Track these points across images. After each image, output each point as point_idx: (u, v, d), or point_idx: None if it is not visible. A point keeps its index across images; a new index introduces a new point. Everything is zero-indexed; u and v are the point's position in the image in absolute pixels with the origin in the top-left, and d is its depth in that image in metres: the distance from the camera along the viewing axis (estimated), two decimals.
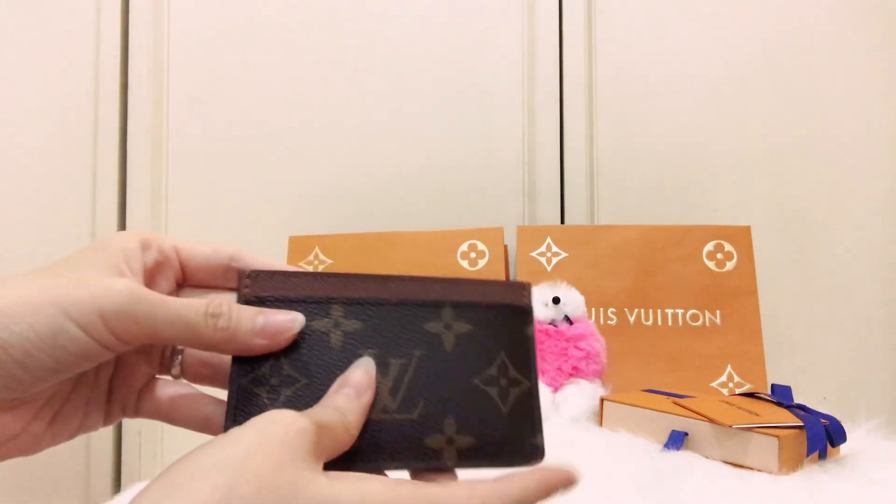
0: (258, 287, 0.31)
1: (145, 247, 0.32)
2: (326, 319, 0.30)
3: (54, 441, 0.31)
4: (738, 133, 1.02)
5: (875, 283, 1.00)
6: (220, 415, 0.33)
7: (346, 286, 0.31)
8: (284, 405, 0.29)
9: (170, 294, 0.33)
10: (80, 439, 0.98)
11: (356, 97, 1.03)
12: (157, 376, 0.34)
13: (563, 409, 0.73)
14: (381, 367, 0.30)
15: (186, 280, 0.34)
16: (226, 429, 0.29)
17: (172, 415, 0.34)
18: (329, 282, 0.31)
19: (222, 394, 0.31)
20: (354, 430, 0.28)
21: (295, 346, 0.30)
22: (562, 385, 0.76)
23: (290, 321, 0.30)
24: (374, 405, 0.30)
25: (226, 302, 0.29)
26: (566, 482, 0.29)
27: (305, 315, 0.30)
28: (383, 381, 0.30)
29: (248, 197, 1.03)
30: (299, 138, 1.03)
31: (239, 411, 0.29)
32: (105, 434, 0.98)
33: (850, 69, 1.02)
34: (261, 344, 0.29)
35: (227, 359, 0.32)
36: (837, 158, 1.01)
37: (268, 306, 0.30)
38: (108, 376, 0.33)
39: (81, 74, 1.02)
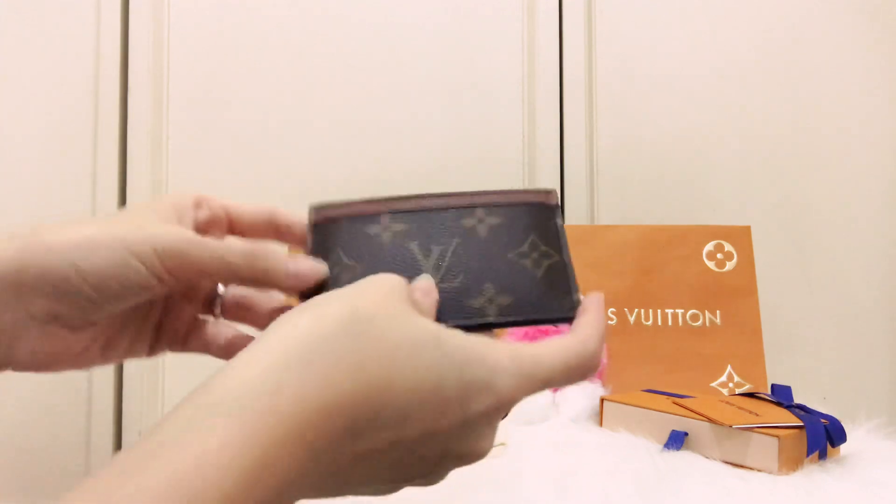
0: (321, 214, 0.38)
1: (197, 205, 0.36)
2: (377, 226, 0.36)
3: (104, 362, 0.36)
4: (739, 133, 1.02)
5: (875, 284, 1.00)
6: None
7: (391, 204, 0.37)
8: (347, 283, 0.33)
9: None
10: (80, 439, 0.98)
11: (356, 97, 1.03)
12: (199, 316, 0.38)
13: (563, 409, 0.73)
14: (423, 251, 0.35)
15: (234, 233, 0.39)
16: None
17: (215, 350, 0.38)
18: (377, 202, 0.37)
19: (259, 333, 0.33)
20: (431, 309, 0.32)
21: (354, 244, 0.36)
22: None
23: (315, 268, 0.35)
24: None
25: (262, 246, 0.34)
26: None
27: (361, 225, 0.36)
28: (426, 262, 0.35)
29: (248, 197, 1.02)
30: (299, 138, 1.03)
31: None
32: (105, 434, 0.98)
33: (851, 69, 1.02)
34: (291, 284, 0.34)
35: (262, 300, 0.38)
36: (837, 158, 1.01)
37: (332, 224, 0.37)
38: (157, 315, 0.37)
39: (81, 75, 1.02)
